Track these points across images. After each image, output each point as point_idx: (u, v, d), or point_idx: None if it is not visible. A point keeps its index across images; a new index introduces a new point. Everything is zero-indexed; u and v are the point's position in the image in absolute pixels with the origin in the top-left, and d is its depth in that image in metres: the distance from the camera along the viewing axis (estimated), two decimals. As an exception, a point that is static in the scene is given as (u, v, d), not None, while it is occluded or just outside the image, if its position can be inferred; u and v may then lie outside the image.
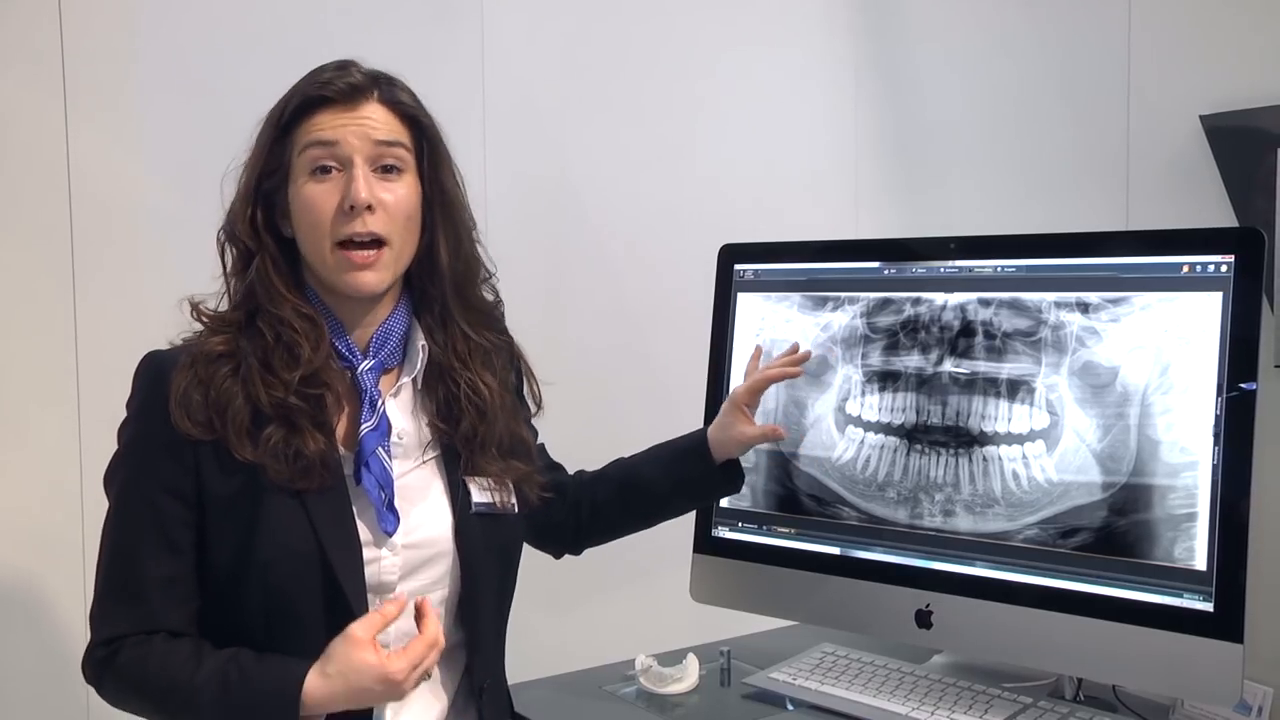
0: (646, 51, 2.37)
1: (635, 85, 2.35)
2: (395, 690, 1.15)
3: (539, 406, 1.42)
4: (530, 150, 2.23)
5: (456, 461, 1.31)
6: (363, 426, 1.24)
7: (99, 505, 1.33)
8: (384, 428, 1.25)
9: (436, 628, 1.18)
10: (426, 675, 1.19)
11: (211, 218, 1.30)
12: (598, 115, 2.32)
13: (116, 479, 1.26)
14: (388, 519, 1.23)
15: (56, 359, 1.80)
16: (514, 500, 1.34)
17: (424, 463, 1.31)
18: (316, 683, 1.14)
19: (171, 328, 1.27)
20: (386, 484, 1.24)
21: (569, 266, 2.31)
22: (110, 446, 1.28)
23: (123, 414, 1.26)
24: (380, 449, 1.24)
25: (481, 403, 1.30)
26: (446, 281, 1.30)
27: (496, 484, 1.32)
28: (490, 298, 1.37)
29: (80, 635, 1.81)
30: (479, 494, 1.30)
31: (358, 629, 1.15)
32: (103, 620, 1.24)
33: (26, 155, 1.78)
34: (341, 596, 1.20)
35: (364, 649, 1.14)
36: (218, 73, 1.89)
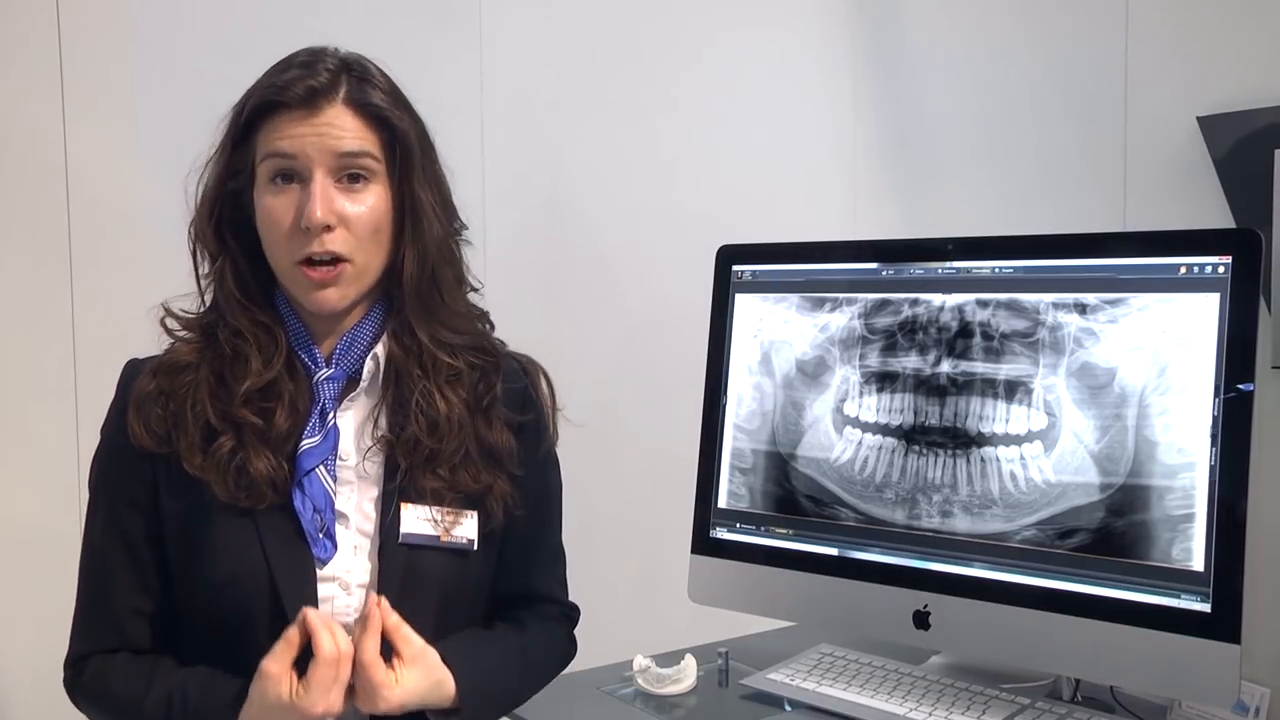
0: (644, 52, 2.37)
1: (633, 86, 2.35)
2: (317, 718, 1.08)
3: (554, 435, 1.33)
4: (528, 152, 2.24)
5: (395, 478, 1.20)
6: (304, 442, 1.17)
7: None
8: (329, 444, 1.18)
9: (330, 642, 1.08)
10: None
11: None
12: (596, 117, 2.32)
13: (90, 488, 1.23)
14: (322, 545, 1.16)
15: (54, 358, 1.80)
16: (464, 534, 1.22)
17: (364, 483, 1.21)
18: None
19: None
20: (324, 506, 1.17)
21: (566, 267, 2.31)
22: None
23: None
24: (321, 467, 1.17)
25: (435, 415, 1.20)
26: (409, 291, 1.20)
27: (446, 514, 1.21)
28: (467, 309, 1.26)
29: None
30: (413, 523, 1.19)
31: (268, 663, 1.09)
32: (74, 638, 1.22)
33: (24, 155, 1.78)
34: (288, 620, 1.13)
35: (275, 683, 1.08)
36: (215, 73, 1.88)
